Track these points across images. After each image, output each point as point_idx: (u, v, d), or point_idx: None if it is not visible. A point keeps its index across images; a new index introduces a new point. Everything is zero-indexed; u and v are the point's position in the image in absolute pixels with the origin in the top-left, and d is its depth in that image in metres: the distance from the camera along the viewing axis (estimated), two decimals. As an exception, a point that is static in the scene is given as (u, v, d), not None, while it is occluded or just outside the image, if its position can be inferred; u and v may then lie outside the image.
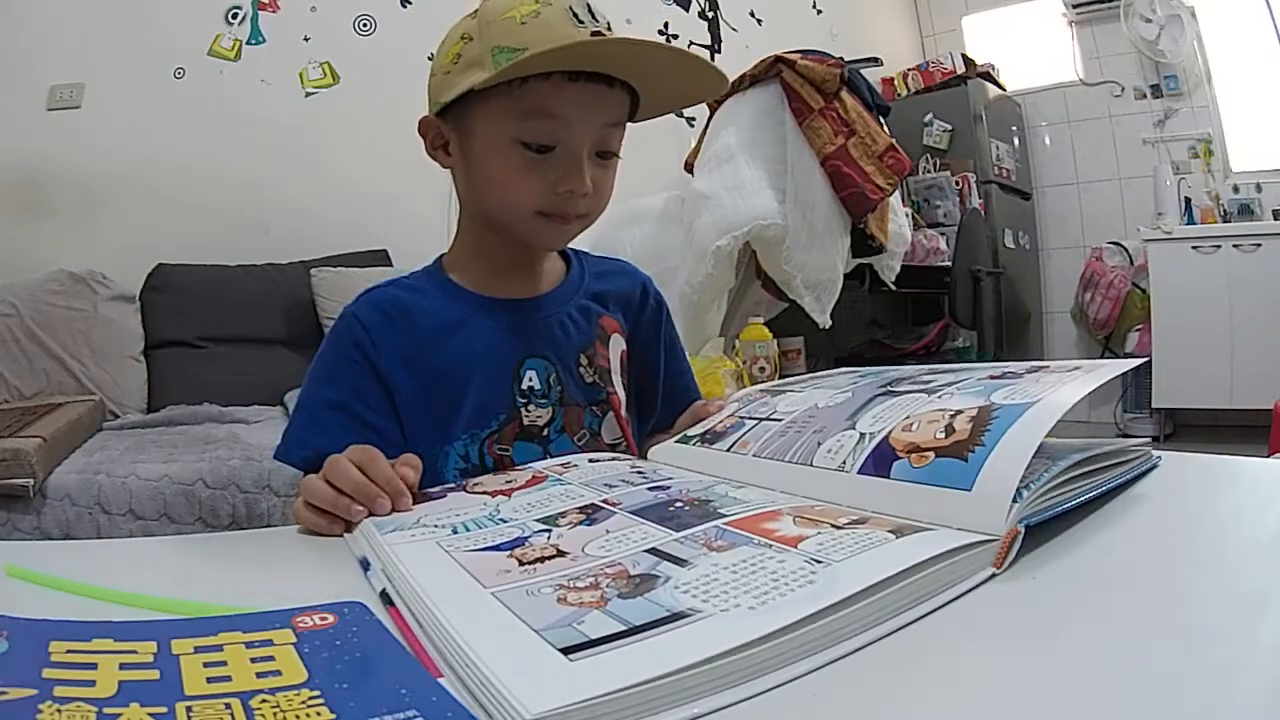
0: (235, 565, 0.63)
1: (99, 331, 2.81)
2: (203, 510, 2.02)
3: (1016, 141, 5.54)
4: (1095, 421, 5.38)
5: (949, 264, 4.41)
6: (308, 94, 3.65)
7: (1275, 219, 4.77)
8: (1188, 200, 4.95)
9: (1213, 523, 0.64)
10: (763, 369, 3.30)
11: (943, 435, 0.59)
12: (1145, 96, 5.29)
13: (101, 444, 2.32)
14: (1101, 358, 5.42)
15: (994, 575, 0.49)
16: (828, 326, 3.42)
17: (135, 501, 1.98)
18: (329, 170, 3.59)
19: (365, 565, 0.56)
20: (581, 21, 0.89)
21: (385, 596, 0.49)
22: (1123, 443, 0.67)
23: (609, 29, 0.91)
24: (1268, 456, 2.87)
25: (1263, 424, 3.62)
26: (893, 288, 3.87)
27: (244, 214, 3.42)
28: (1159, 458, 0.69)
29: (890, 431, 0.63)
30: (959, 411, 0.61)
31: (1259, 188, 4.94)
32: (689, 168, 3.63)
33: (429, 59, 1.01)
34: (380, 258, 3.54)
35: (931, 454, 0.58)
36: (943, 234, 4.73)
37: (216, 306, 3.05)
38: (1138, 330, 4.98)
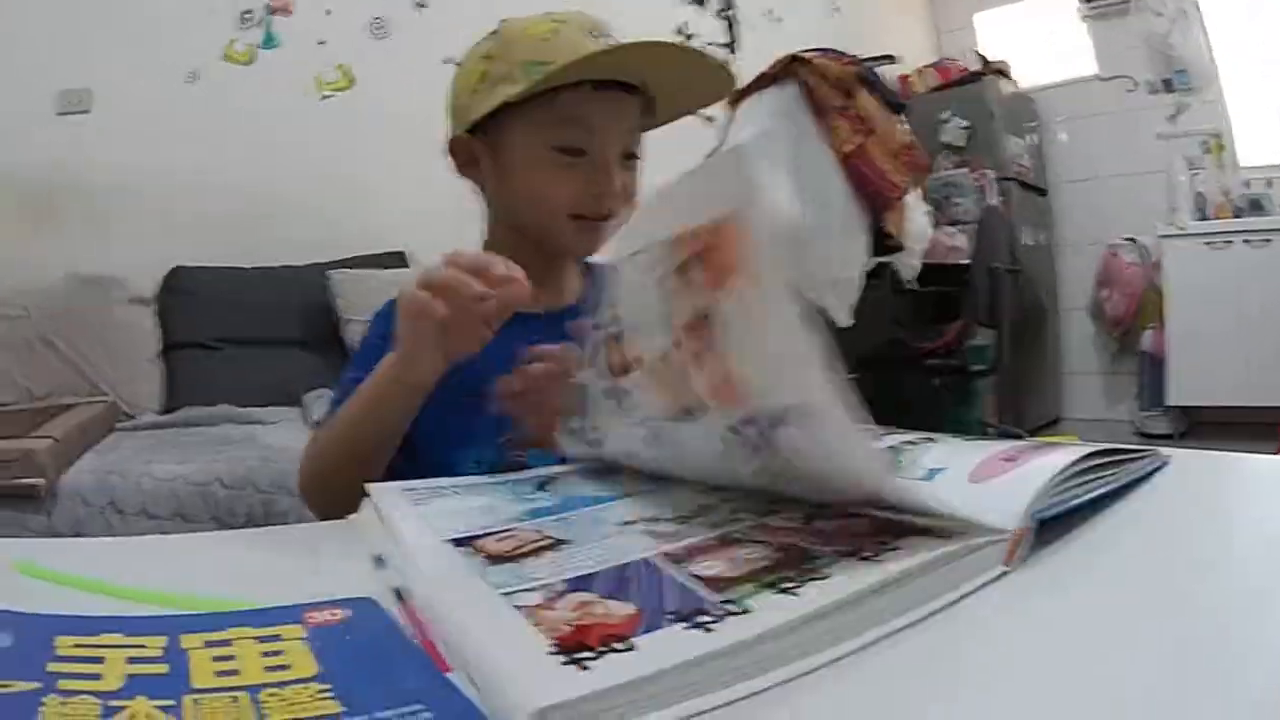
0: (247, 561, 0.63)
1: (113, 335, 2.83)
2: (219, 510, 2.02)
3: (1031, 133, 5.51)
4: (1111, 419, 5.35)
5: (968, 262, 4.39)
6: (323, 97, 3.67)
7: (1285, 213, 4.73)
8: (1201, 195, 4.92)
9: (1224, 520, 0.64)
10: (779, 368, 3.28)
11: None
12: (1158, 91, 5.23)
13: (115, 444, 2.33)
14: (1118, 355, 5.38)
15: (1004, 573, 0.49)
16: (848, 325, 3.41)
17: (149, 501, 1.98)
18: (345, 172, 3.60)
19: (379, 562, 0.56)
20: (596, 37, 0.99)
21: (398, 592, 0.49)
22: (1131, 447, 0.66)
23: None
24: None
25: (1276, 420, 3.60)
26: (914, 285, 3.86)
27: (260, 217, 3.43)
28: (1168, 457, 0.69)
29: None
30: None
31: (1269, 183, 4.89)
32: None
33: (444, 62, 1.05)
34: (397, 259, 3.55)
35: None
36: (962, 231, 4.71)
37: (233, 308, 3.06)
38: (1152, 328, 4.95)
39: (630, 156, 1.04)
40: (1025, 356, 4.98)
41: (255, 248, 3.33)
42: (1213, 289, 4.63)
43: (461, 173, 1.08)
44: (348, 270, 3.30)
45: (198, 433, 2.48)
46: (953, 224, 4.87)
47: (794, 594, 0.43)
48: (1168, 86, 5.20)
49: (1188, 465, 0.69)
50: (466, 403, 0.94)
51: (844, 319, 3.40)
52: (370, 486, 0.70)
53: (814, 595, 0.42)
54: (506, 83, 0.97)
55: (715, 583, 0.45)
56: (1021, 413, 5.03)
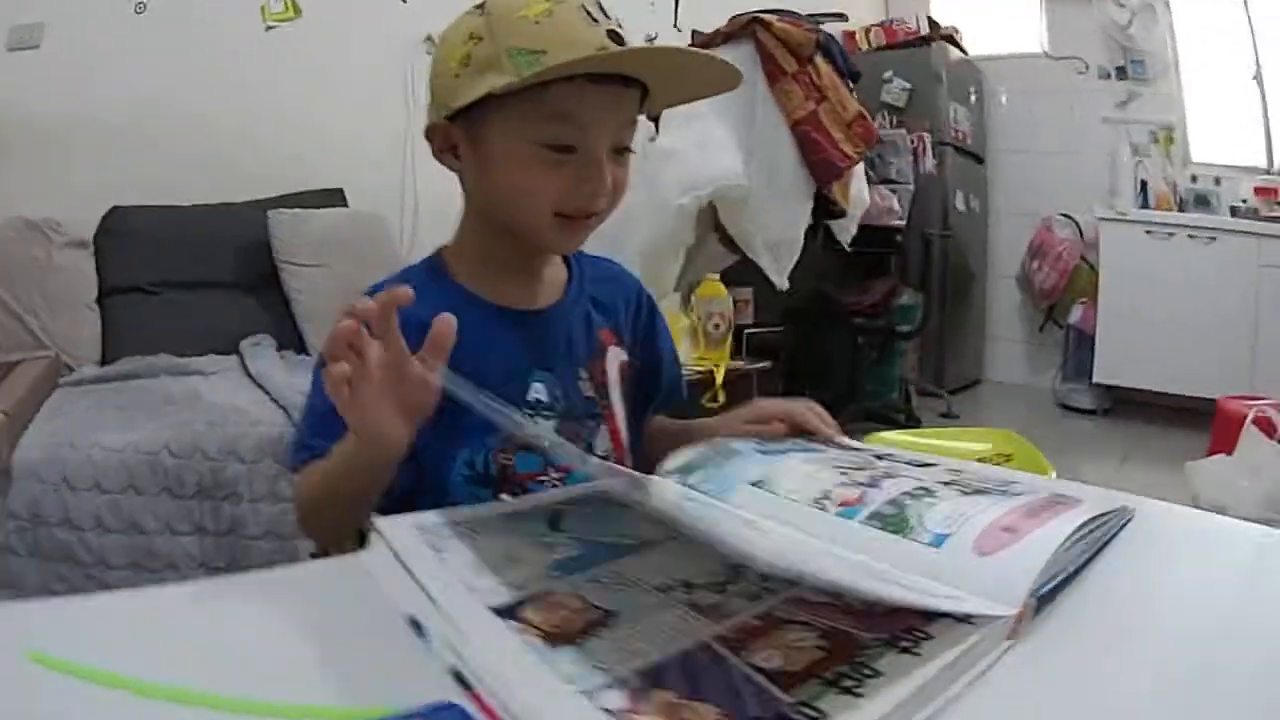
0: (278, 636, 0.57)
1: (54, 280, 2.71)
2: (169, 479, 1.97)
3: (974, 101, 5.56)
4: (1033, 385, 5.51)
5: (901, 223, 4.46)
6: (268, 27, 3.54)
7: (1232, 215, 4.82)
8: (1143, 183, 5.02)
9: (1188, 576, 0.70)
10: (717, 325, 3.36)
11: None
12: (1109, 77, 5.29)
13: (60, 406, 2.25)
14: (1043, 327, 5.52)
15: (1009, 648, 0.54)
16: (785, 289, 3.45)
17: (100, 474, 1.93)
18: (286, 106, 3.50)
19: (417, 628, 0.54)
20: (595, 20, 0.90)
21: (459, 677, 0.49)
22: (1099, 502, 0.70)
23: (620, 25, 0.92)
24: (1208, 454, 3.00)
25: (1198, 409, 3.76)
26: (847, 249, 3.91)
27: (201, 152, 3.31)
28: (1133, 511, 0.73)
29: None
30: None
31: (1218, 181, 4.99)
32: (654, 120, 3.61)
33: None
34: (335, 197, 3.47)
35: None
36: (894, 191, 4.77)
37: (171, 250, 2.94)
38: (1082, 304, 5.08)
39: (623, 150, 0.97)
40: (950, 319, 5.10)
41: (196, 183, 3.21)
42: (1150, 276, 4.74)
43: (439, 159, 1.00)
44: (286, 210, 3.20)
45: (139, 387, 2.41)
46: (885, 183, 4.91)
47: (856, 694, 0.46)
48: (1120, 74, 5.25)
49: (1155, 524, 0.75)
50: (455, 409, 0.92)
51: (781, 282, 3.45)
52: (380, 524, 0.68)
53: (876, 694, 0.46)
54: (493, 70, 0.89)
55: (781, 678, 0.48)
56: (943, 373, 5.16)
